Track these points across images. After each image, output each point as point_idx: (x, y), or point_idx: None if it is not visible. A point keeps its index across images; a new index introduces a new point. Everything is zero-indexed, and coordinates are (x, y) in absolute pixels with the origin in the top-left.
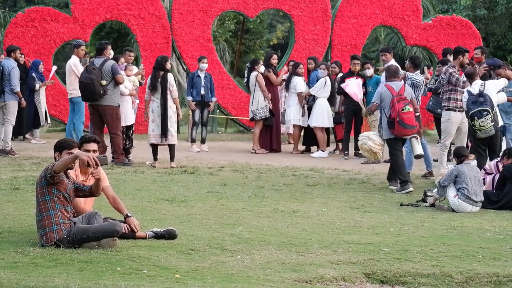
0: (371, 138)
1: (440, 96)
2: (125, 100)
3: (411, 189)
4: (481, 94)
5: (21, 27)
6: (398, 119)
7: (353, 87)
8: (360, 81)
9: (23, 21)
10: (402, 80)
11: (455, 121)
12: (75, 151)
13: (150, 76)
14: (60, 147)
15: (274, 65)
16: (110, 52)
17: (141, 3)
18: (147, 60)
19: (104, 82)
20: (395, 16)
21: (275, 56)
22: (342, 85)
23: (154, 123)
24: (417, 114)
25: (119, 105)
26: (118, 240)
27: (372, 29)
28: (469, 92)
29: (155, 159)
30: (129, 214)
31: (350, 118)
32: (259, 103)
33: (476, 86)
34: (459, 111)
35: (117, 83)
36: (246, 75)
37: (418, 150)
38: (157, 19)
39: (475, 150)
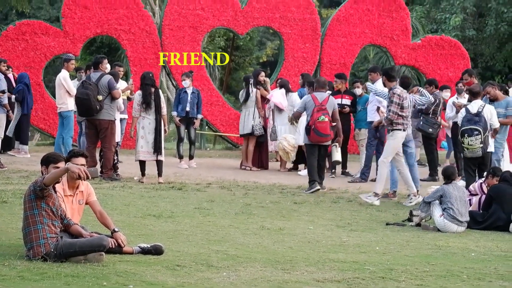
0: (287, 139)
1: (430, 116)
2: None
3: (318, 187)
4: (478, 114)
5: (12, 40)
6: (313, 127)
7: (278, 97)
8: (283, 91)
9: (13, 34)
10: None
11: (401, 140)
12: (61, 165)
13: (141, 92)
14: (46, 161)
15: (262, 82)
16: (106, 66)
17: (132, 18)
18: (137, 75)
19: (100, 98)
20: (384, 35)
21: (262, 73)
22: (268, 96)
23: (144, 140)
24: (333, 124)
25: (115, 120)
26: (105, 255)
27: (361, 48)
28: (467, 110)
29: (143, 174)
30: (116, 229)
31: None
32: (256, 119)
33: (475, 105)
34: (404, 130)
35: (113, 98)
36: (251, 89)
37: (337, 157)
38: (147, 34)
39: (465, 170)
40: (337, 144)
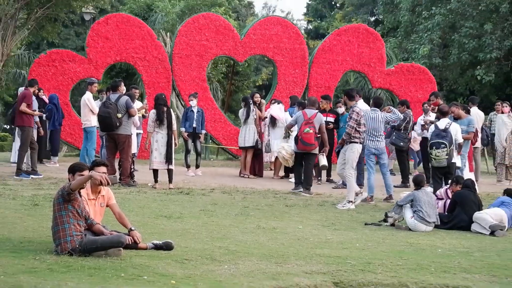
0: (285, 149)
1: (402, 132)
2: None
3: (300, 189)
4: (445, 130)
5: (43, 66)
6: (300, 138)
7: (276, 111)
8: (282, 106)
9: (45, 61)
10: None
11: (358, 152)
12: (86, 173)
13: (155, 111)
14: (73, 170)
15: (257, 102)
16: (124, 88)
17: (147, 47)
18: (151, 96)
19: (119, 115)
20: (363, 63)
21: (257, 95)
22: (268, 111)
23: (157, 151)
24: (318, 135)
25: (131, 134)
26: (123, 250)
27: (343, 74)
28: (435, 126)
29: (156, 181)
30: (132, 228)
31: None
32: (256, 135)
33: (443, 123)
34: (360, 143)
35: (130, 115)
36: (252, 108)
37: (323, 162)
38: (159, 61)
39: (433, 178)
40: (323, 152)
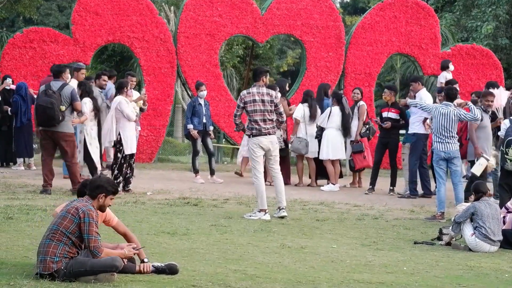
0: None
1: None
2: (128, 126)
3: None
4: None
5: (19, 48)
6: None
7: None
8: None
9: (21, 42)
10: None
11: (255, 147)
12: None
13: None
14: (106, 190)
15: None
16: (68, 76)
17: (146, 25)
18: (151, 85)
19: (63, 108)
20: (412, 44)
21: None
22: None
23: None
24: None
25: (74, 132)
26: (116, 275)
27: (388, 57)
28: (510, 121)
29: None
30: (145, 260)
31: (379, 150)
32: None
33: None
34: (253, 136)
35: (74, 110)
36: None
37: (473, 169)
38: (161, 42)
39: (499, 185)
40: (478, 155)
